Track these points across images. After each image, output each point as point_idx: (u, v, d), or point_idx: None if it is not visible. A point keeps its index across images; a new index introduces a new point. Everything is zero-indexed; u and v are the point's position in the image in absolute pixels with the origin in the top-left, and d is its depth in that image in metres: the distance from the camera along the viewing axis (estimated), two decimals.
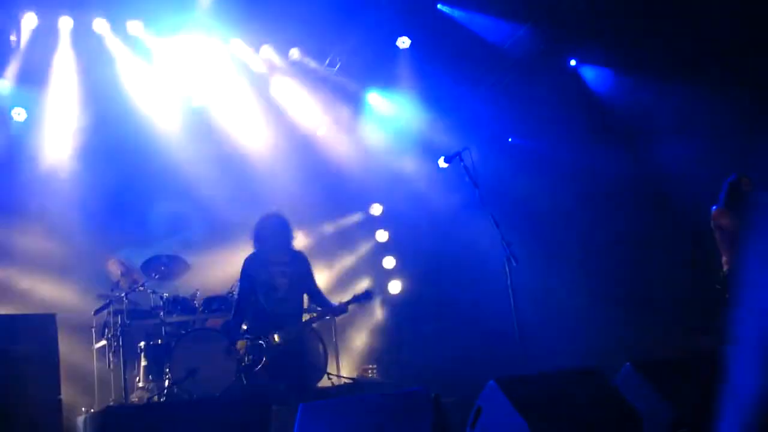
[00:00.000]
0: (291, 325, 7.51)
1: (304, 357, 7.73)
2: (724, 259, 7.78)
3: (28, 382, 6.76)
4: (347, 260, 12.37)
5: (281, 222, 7.78)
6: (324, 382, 8.82)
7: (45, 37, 9.68)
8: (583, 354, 8.56)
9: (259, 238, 7.76)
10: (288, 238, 7.77)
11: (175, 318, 8.74)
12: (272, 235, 7.68)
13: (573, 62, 10.71)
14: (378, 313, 12.08)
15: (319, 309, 8.14)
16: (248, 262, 7.65)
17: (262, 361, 7.28)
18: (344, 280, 12.09)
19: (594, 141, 10.22)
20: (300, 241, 11.48)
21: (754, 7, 8.39)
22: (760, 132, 8.84)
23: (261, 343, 8.54)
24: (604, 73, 10.63)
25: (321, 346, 8.78)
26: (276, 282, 7.52)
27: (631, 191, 9.97)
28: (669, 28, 9.09)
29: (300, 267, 7.76)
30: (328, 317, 8.64)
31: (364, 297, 7.82)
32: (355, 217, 12.56)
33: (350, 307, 7.84)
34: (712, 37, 9.02)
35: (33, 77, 9.99)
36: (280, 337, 7.35)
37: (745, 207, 7.72)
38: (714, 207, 7.89)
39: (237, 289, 7.82)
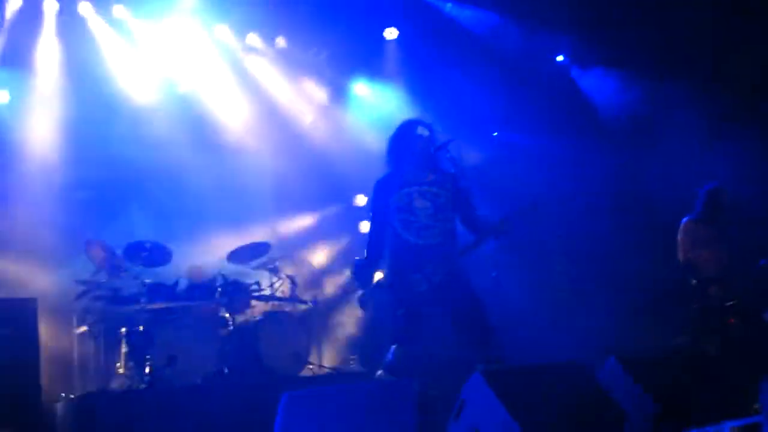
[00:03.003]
0: (437, 261, 6.04)
1: (449, 305, 6.05)
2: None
3: (7, 367, 6.72)
4: (330, 251, 12.35)
5: (422, 130, 6.25)
6: (305, 372, 8.84)
7: (29, 19, 9.60)
8: (567, 348, 8.59)
9: (391, 155, 6.36)
10: (428, 150, 6.18)
11: (157, 305, 8.67)
12: (409, 148, 6.23)
13: (560, 57, 10.71)
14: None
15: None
16: (378, 187, 6.30)
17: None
18: (326, 270, 12.10)
19: (580, 137, 10.24)
20: (284, 229, 11.59)
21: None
22: (739, 130, 8.92)
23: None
24: (592, 70, 10.65)
25: (303, 335, 8.80)
26: (415, 205, 6.10)
27: (616, 188, 10.00)
28: (657, 26, 9.11)
29: (450, 186, 6.22)
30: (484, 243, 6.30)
31: (530, 208, 6.23)
32: (340, 208, 12.54)
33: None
34: (698, 36, 9.05)
35: (17, 59, 9.89)
36: (423, 278, 5.98)
37: (722, 218, 7.82)
38: (688, 217, 7.99)
39: (370, 224, 6.39)
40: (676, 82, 9.43)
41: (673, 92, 9.50)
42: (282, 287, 9.57)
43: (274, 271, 9.54)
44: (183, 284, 8.98)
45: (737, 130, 9.00)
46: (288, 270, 9.76)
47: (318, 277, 11.78)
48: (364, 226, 12.19)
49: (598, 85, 10.67)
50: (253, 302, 9.47)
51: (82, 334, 8.82)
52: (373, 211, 6.32)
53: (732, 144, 8.89)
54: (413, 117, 6.46)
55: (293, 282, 9.56)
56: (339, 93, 11.66)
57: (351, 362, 10.72)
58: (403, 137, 6.31)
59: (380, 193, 6.26)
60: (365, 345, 11.30)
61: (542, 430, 4.31)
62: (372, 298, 6.18)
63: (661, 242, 8.88)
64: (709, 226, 7.90)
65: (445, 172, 6.24)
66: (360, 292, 6.11)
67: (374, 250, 6.23)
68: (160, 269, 9.23)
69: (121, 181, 10.45)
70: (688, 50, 9.28)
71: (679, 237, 8.00)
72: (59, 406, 7.80)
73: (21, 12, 9.52)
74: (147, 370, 8.08)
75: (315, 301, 9.76)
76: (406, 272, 6.00)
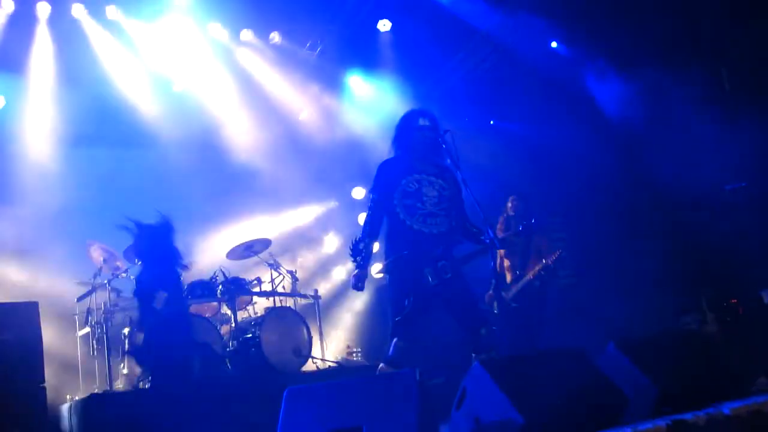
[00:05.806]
0: (447, 255, 5.91)
1: (451, 298, 5.91)
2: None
3: (11, 370, 6.72)
4: (329, 244, 12.37)
5: (423, 121, 6.13)
6: (308, 366, 8.85)
7: (22, 22, 9.58)
8: (567, 334, 8.60)
9: (396, 142, 6.22)
10: (431, 140, 6.06)
11: None
12: (412, 138, 6.10)
13: (554, 44, 10.66)
14: (362, 295, 12.11)
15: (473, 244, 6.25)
16: (383, 168, 6.13)
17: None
18: (327, 263, 12.12)
19: (575, 125, 10.20)
20: (282, 225, 11.61)
21: None
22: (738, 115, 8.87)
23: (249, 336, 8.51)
24: (586, 58, 10.58)
25: (305, 330, 8.80)
26: (423, 192, 5.93)
27: (613, 175, 9.97)
28: (651, 13, 9.07)
29: (451, 180, 6.11)
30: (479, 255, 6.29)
31: (531, 229, 6.33)
32: (337, 201, 12.56)
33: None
34: (700, 24, 9.01)
35: (11, 64, 9.91)
36: (434, 273, 5.80)
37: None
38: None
39: (369, 204, 6.18)
40: (678, 72, 9.36)
41: (675, 82, 9.44)
42: (283, 282, 9.58)
43: (275, 266, 9.55)
44: (184, 282, 8.99)
45: (744, 120, 8.93)
46: (288, 265, 9.76)
47: (318, 272, 11.81)
48: (362, 219, 12.20)
49: (597, 73, 10.60)
50: (255, 298, 9.49)
51: (85, 335, 8.84)
52: (376, 191, 6.07)
53: (739, 133, 8.83)
54: (416, 107, 6.32)
55: (294, 277, 9.57)
56: (334, 86, 11.65)
57: (355, 356, 10.74)
58: (405, 127, 6.16)
59: (386, 174, 6.08)
60: (369, 338, 11.34)
61: (543, 416, 4.31)
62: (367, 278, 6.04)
63: (657, 222, 8.91)
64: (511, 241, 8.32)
65: (446, 164, 6.12)
66: (355, 272, 5.97)
67: (373, 228, 6.03)
68: None
69: (119, 180, 10.48)
70: (691, 39, 9.22)
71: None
72: (64, 408, 7.83)
73: (14, 16, 9.48)
74: None
75: (316, 296, 9.75)
76: (414, 262, 5.82)
